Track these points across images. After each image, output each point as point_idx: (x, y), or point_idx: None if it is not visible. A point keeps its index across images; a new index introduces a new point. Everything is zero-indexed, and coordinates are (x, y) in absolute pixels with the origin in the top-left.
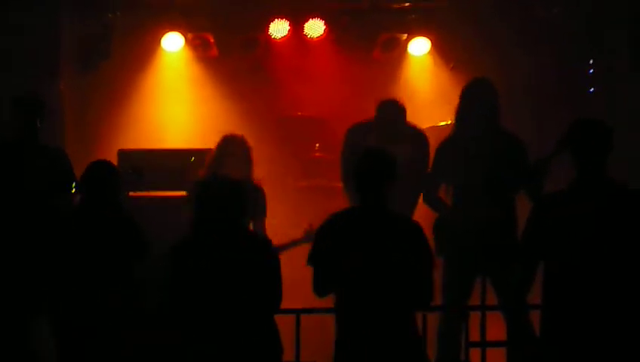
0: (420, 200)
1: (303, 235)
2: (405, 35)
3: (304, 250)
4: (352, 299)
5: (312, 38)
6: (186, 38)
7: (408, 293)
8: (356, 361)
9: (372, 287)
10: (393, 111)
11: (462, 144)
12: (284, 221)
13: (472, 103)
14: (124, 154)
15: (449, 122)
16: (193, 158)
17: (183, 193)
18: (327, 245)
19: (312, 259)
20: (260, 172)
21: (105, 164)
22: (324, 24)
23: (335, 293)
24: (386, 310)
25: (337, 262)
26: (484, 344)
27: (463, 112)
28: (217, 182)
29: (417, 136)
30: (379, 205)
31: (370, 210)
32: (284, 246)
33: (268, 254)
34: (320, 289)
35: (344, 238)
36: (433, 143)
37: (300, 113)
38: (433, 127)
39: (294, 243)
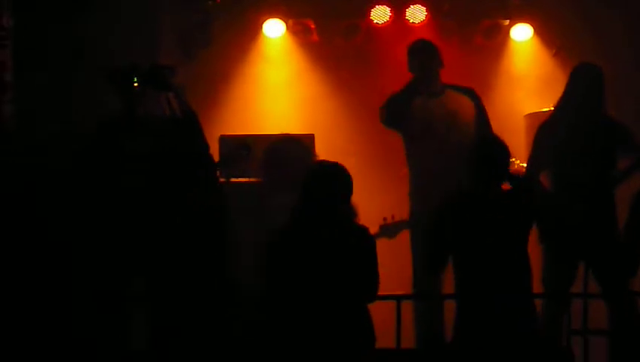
0: None
1: (378, 230)
2: (507, 21)
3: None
4: None
5: (414, 24)
6: (287, 25)
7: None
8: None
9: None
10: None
11: (562, 131)
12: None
13: (578, 88)
14: (226, 139)
15: (552, 108)
16: None
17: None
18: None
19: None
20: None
21: None
22: (426, 10)
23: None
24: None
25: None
26: (585, 332)
27: (567, 96)
28: (326, 169)
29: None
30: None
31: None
32: None
33: (366, 240)
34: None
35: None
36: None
37: None
38: (536, 113)
39: None
